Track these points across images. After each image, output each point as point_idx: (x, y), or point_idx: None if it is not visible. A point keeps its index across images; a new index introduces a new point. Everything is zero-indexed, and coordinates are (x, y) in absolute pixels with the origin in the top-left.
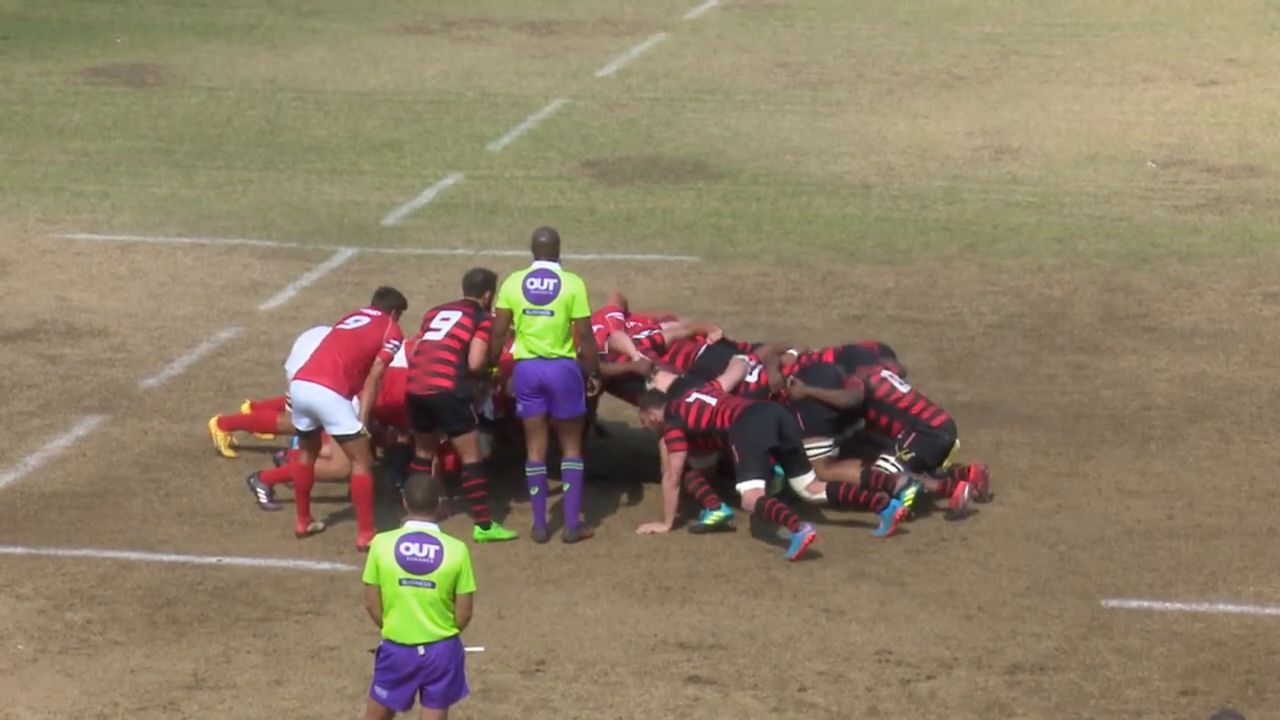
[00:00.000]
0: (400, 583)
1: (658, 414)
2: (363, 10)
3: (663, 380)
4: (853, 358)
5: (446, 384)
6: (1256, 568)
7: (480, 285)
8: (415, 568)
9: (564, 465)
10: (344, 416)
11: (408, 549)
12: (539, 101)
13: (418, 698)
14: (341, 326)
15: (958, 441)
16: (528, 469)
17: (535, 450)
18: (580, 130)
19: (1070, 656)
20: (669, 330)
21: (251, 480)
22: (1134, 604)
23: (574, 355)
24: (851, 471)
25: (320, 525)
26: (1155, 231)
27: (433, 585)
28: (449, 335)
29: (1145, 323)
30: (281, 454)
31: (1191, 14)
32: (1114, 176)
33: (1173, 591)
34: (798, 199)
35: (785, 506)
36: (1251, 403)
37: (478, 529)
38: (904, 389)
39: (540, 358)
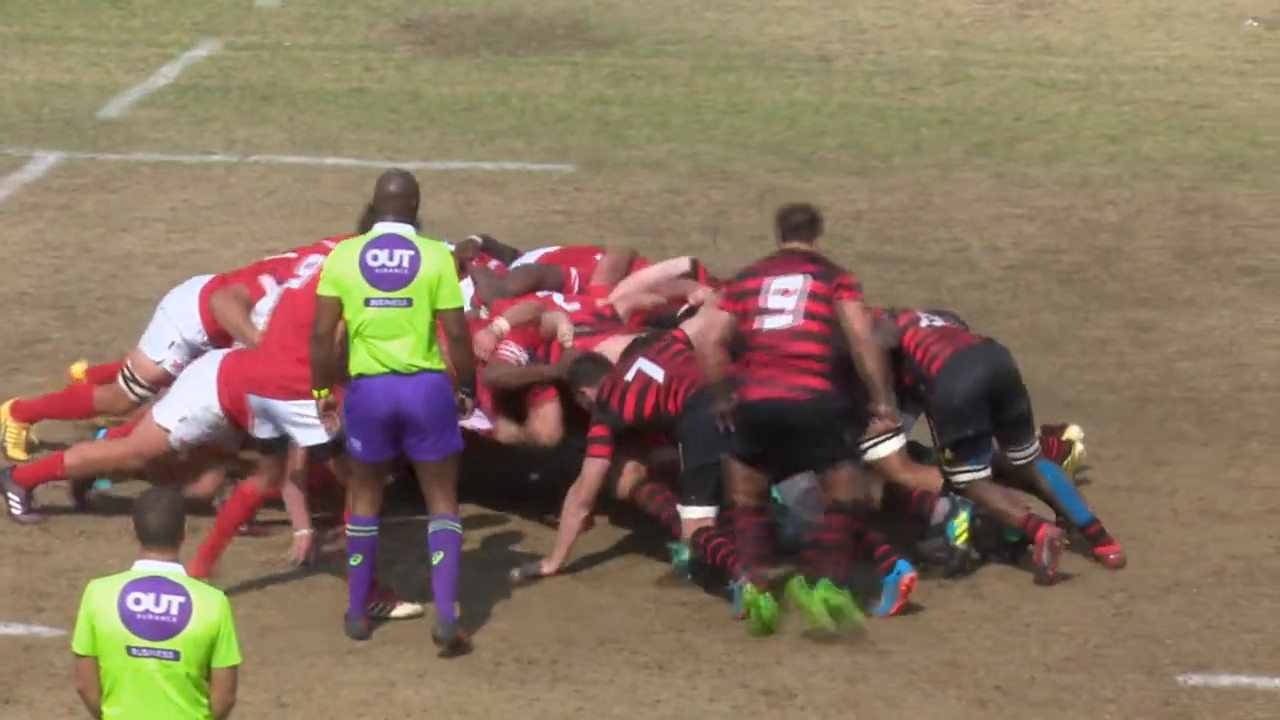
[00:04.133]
0: (129, 651)
1: (590, 393)
2: None
3: (614, 344)
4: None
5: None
6: None
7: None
8: (151, 630)
9: (434, 526)
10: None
11: (138, 602)
12: None
13: None
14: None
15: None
16: (350, 528)
17: (366, 502)
18: None
19: None
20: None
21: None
22: (1226, 681)
23: (442, 367)
24: (935, 480)
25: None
26: (1257, 125)
27: (176, 656)
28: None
29: (1243, 260)
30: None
31: None
32: (1195, 43)
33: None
34: (724, 78)
35: (728, 542)
36: None
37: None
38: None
39: (393, 372)
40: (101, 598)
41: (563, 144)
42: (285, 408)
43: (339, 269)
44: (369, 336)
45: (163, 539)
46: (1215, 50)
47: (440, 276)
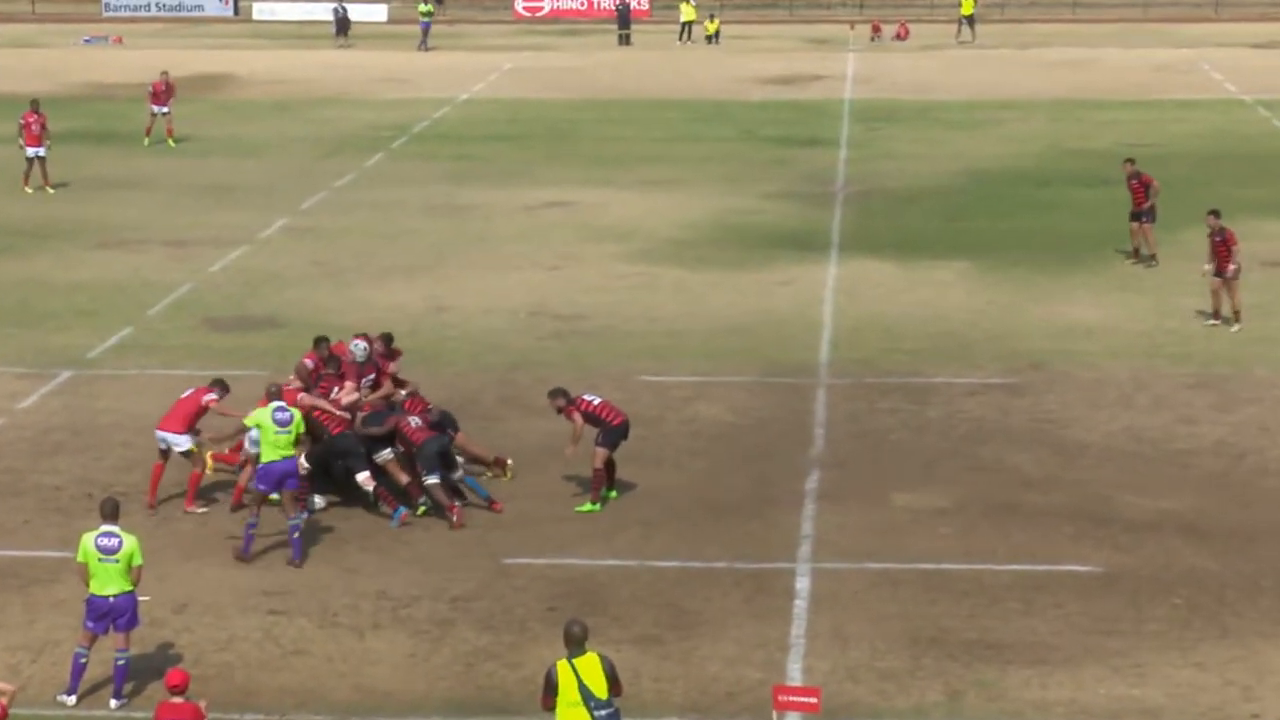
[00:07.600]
0: (99, 560)
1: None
2: (68, 234)
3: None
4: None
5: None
6: (595, 531)
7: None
8: (107, 551)
9: (291, 522)
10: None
11: (101, 541)
12: (177, 284)
13: (112, 628)
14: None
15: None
16: (250, 522)
17: (256, 512)
18: (203, 301)
19: (487, 590)
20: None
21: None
22: (523, 561)
23: (296, 455)
24: (405, 478)
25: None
26: (521, 351)
27: (117, 561)
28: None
29: (524, 403)
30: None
31: (536, 229)
32: (503, 321)
33: (549, 551)
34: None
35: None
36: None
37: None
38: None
39: (284, 459)
40: (88, 539)
41: (262, 363)
42: (174, 438)
43: (260, 418)
44: (272, 444)
45: (110, 517)
46: (509, 323)
47: (300, 423)
